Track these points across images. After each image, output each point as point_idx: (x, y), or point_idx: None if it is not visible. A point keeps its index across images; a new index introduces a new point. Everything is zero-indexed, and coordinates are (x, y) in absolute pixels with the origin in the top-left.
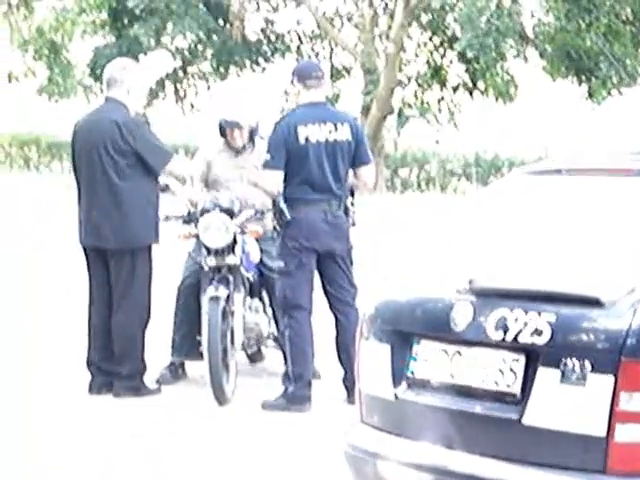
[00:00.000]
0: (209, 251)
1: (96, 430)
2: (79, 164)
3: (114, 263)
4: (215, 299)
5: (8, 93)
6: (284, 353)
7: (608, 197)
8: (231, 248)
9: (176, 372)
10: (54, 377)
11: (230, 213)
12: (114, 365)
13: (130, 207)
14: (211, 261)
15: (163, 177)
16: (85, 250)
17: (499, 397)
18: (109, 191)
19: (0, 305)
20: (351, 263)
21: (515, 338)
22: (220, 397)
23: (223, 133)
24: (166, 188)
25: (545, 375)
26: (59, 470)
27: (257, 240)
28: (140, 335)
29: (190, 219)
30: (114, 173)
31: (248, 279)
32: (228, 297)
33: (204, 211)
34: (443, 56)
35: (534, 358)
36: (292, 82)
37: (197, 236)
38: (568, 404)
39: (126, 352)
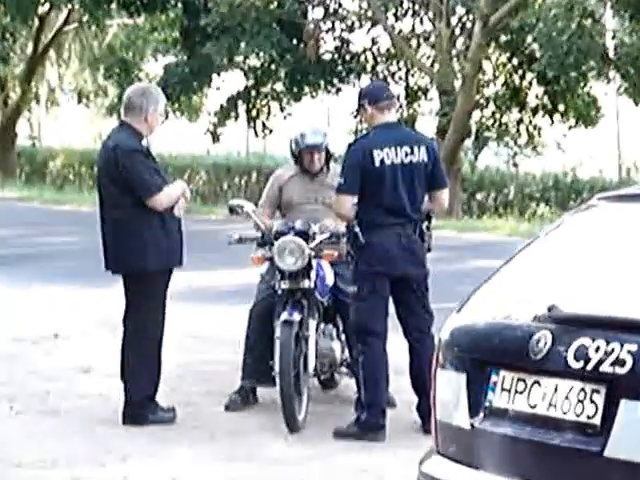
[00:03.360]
0: (283, 274)
1: (161, 456)
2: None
3: (124, 287)
4: (288, 323)
5: (79, 112)
6: (357, 380)
7: None
8: (306, 272)
9: (247, 397)
10: None
11: (305, 236)
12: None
13: (121, 234)
14: (285, 285)
15: (237, 200)
16: None
17: (579, 429)
18: (106, 217)
19: None
20: (426, 289)
21: (596, 368)
22: (292, 424)
23: (297, 159)
24: (239, 210)
25: (627, 407)
26: None
27: (331, 264)
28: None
29: (264, 242)
30: (108, 199)
31: (322, 304)
32: (302, 322)
33: (279, 234)
34: (522, 77)
35: (615, 389)
36: (363, 106)
37: (271, 259)
38: None
39: (130, 377)
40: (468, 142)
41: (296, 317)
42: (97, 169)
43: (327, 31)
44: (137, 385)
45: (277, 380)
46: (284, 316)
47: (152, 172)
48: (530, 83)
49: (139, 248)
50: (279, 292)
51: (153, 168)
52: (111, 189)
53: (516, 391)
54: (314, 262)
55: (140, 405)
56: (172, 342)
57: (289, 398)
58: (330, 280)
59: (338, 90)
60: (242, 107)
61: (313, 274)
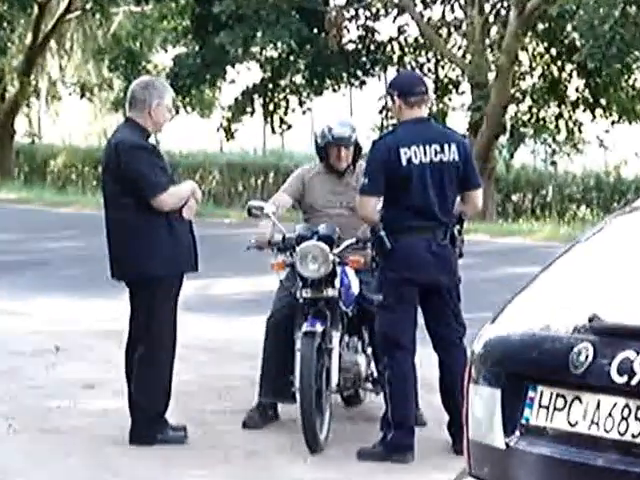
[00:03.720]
0: (305, 282)
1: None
2: None
3: (130, 296)
4: (310, 335)
5: (81, 107)
6: (384, 396)
7: None
8: (329, 279)
9: (265, 414)
10: None
11: (329, 241)
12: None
13: (124, 237)
14: (307, 293)
15: (256, 201)
16: None
17: (623, 448)
18: (110, 220)
19: None
20: (458, 298)
21: None
22: (313, 443)
23: (322, 156)
24: (259, 212)
25: None
26: None
27: (357, 271)
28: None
29: (285, 247)
30: (110, 200)
31: (346, 314)
32: (324, 333)
33: (301, 238)
34: (561, 69)
35: None
36: (391, 97)
37: (292, 265)
38: None
39: (139, 393)
40: (503, 139)
41: (318, 328)
42: (101, 168)
43: (350, 19)
44: (147, 401)
45: (297, 396)
46: (305, 327)
47: (157, 170)
48: (570, 75)
49: (143, 252)
50: (300, 301)
51: (159, 166)
52: (114, 189)
53: (555, 408)
54: (338, 269)
55: (148, 424)
56: (183, 355)
57: (310, 416)
58: (355, 288)
59: (362, 83)
60: (258, 101)
61: (337, 282)
